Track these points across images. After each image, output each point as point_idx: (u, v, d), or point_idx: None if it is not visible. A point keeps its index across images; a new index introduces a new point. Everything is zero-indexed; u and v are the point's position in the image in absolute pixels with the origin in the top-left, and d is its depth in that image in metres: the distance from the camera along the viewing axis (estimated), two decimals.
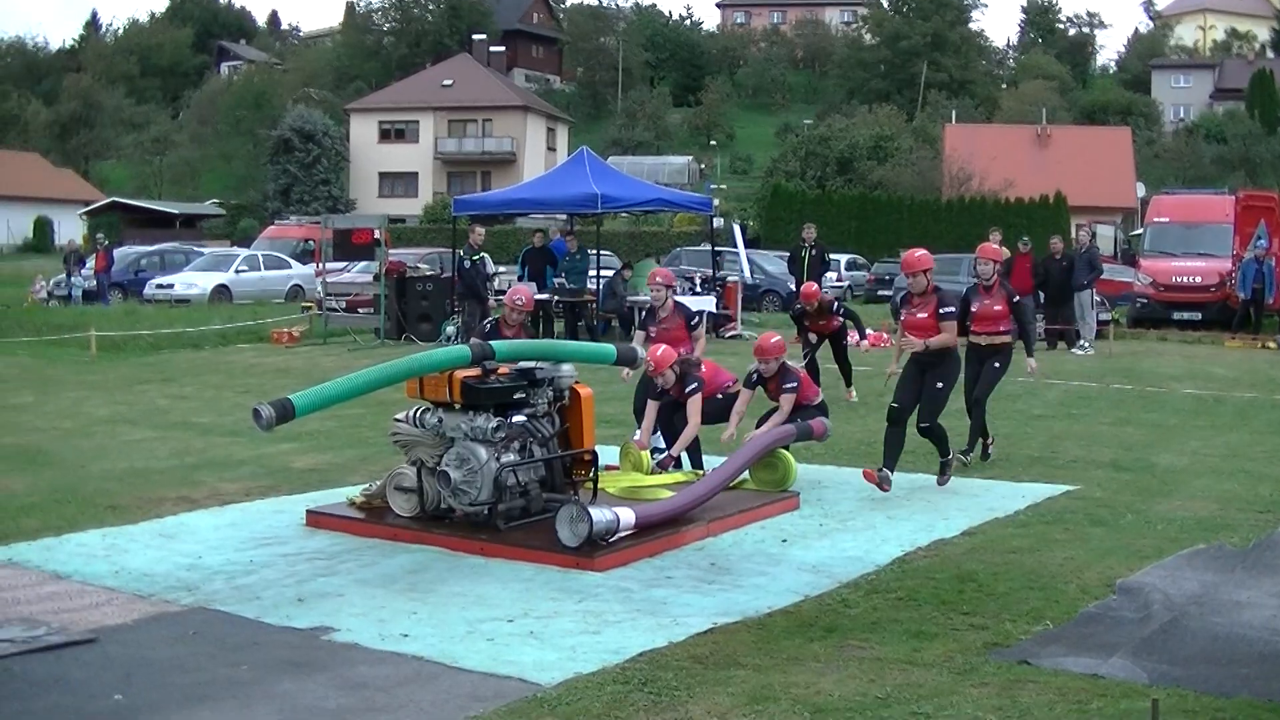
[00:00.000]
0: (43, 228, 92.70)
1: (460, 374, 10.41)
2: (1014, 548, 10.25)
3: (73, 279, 44.30)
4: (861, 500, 12.14)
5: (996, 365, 14.11)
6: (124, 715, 6.77)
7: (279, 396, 9.18)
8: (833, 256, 35.20)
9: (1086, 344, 27.39)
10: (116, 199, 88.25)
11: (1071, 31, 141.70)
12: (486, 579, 9.29)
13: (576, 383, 11.26)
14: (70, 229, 78.29)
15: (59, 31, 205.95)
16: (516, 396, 10.62)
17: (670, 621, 8.26)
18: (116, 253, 47.59)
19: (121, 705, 6.93)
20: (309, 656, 7.69)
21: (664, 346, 12.74)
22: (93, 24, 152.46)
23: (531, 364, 11.10)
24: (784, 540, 10.58)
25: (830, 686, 7.03)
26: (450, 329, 25.68)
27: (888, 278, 44.06)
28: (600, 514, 9.57)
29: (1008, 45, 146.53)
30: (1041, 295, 27.86)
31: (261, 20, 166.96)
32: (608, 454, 12.63)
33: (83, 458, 14.61)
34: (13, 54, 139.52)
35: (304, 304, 36.56)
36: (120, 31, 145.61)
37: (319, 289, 33.84)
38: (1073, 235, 40.22)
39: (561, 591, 8.97)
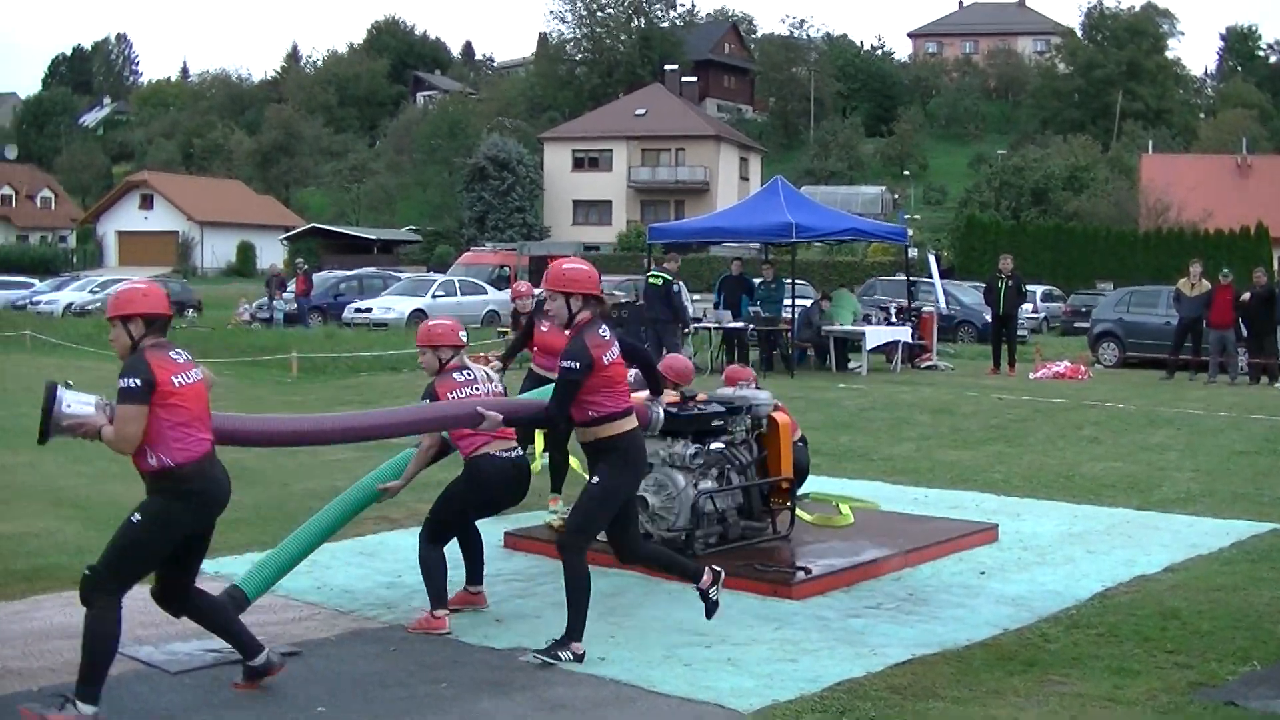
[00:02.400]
0: (246, 252, 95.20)
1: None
2: (1219, 585, 10.00)
3: (274, 302, 45.35)
4: (1060, 534, 11.93)
5: None
6: None
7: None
8: (1029, 288, 34.76)
9: None
10: (316, 225, 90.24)
11: (1273, 59, 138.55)
12: (683, 605, 9.27)
13: (775, 410, 11.22)
14: (272, 254, 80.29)
15: (261, 64, 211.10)
16: (715, 424, 10.61)
17: (868, 651, 8.20)
18: (316, 277, 48.58)
19: (325, 717, 7.06)
20: (508, 676, 7.77)
21: None
22: (293, 56, 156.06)
23: (730, 391, 11.11)
24: (982, 573, 10.45)
25: None
26: None
27: (1084, 309, 43.37)
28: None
29: (1205, 74, 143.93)
30: (1244, 328, 27.23)
31: (456, 51, 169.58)
32: None
33: (286, 476, 14.91)
34: (217, 86, 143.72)
35: (499, 329, 36.94)
36: (319, 63, 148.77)
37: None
38: (1276, 267, 39.29)
39: (758, 619, 8.96)
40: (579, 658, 7.92)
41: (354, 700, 7.32)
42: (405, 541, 11.35)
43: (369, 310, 43.37)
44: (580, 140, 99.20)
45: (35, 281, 64.42)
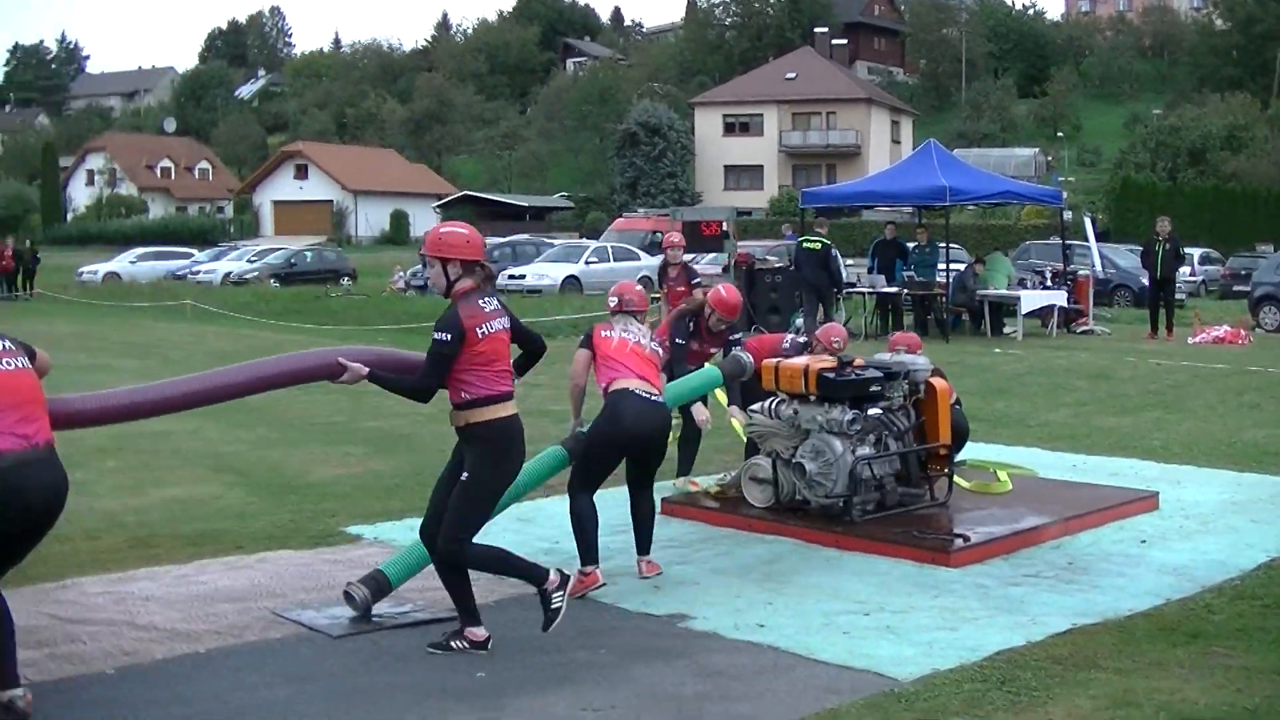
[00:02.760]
0: (399, 220, 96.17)
1: (816, 366, 10.40)
2: None
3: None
4: (1223, 502, 11.71)
5: None
6: (487, 692, 6.99)
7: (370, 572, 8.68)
8: (1186, 251, 34.14)
9: None
10: (468, 192, 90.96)
11: None
12: (841, 572, 9.28)
13: (932, 375, 11.14)
14: (425, 222, 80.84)
15: (411, 34, 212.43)
16: (873, 390, 10.55)
17: (1028, 620, 8.13)
18: None
19: (485, 683, 7.15)
20: (666, 643, 7.81)
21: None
22: (443, 25, 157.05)
23: (888, 357, 11.06)
24: (1143, 541, 10.29)
25: (1195, 694, 6.82)
26: (799, 321, 25.69)
27: (1243, 272, 42.46)
28: None
29: None
30: None
31: (605, 17, 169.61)
32: None
33: (442, 442, 14.91)
34: (369, 56, 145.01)
35: (654, 295, 36.85)
36: (469, 31, 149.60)
37: None
38: None
39: (917, 587, 8.91)
40: (478, 644, 7.62)
41: (513, 666, 7.39)
42: (561, 508, 11.43)
43: (522, 277, 43.48)
44: (730, 105, 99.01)
45: (195, 252, 65.59)
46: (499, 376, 7.65)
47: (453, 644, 7.63)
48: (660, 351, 9.65)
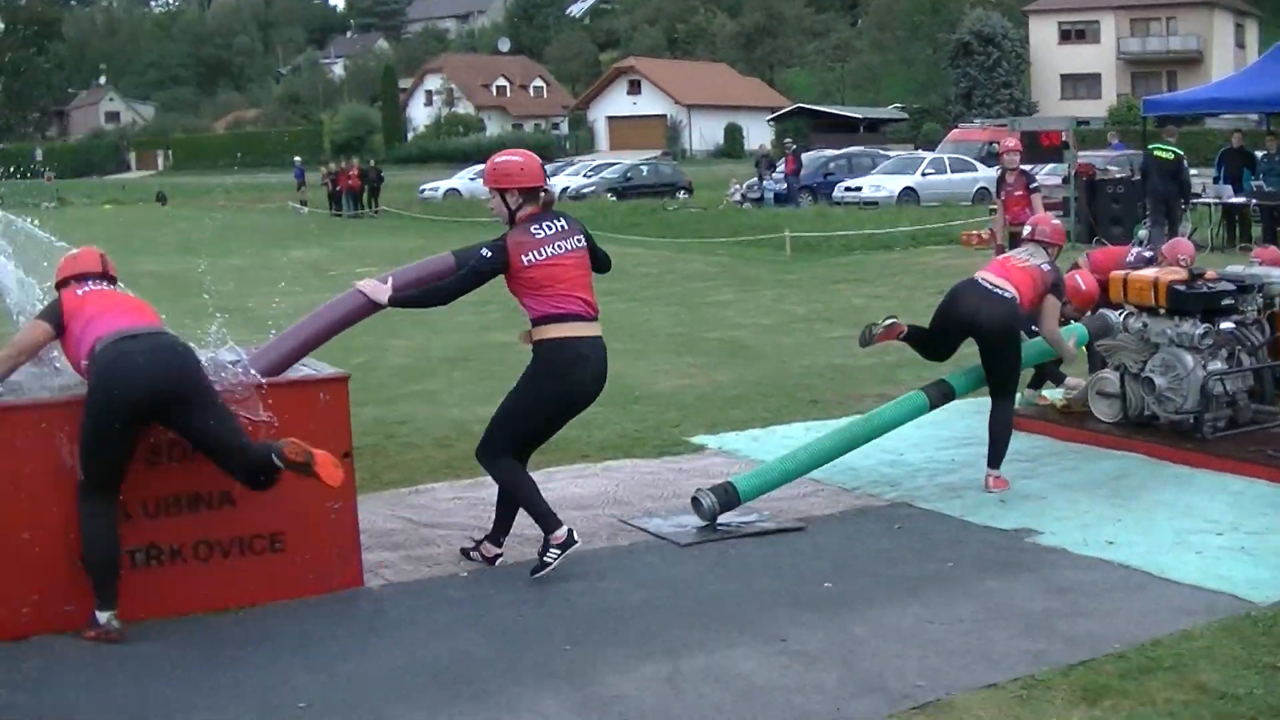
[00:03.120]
0: (733, 134, 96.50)
1: (1167, 278, 10.13)
2: None
3: (764, 183, 45.85)
4: None
5: None
6: (834, 602, 7.05)
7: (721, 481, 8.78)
8: None
9: None
10: (801, 105, 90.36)
11: None
12: (1192, 489, 9.05)
13: None
14: (759, 135, 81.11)
15: None
16: (1225, 303, 10.22)
17: None
18: (805, 157, 48.71)
19: (832, 592, 7.21)
20: (1013, 558, 7.75)
21: None
22: None
23: (1241, 269, 10.70)
24: None
25: None
26: (1142, 233, 25.01)
27: None
28: None
29: None
30: None
31: None
32: None
33: (783, 353, 15.14)
34: None
35: (991, 207, 36.34)
36: None
37: None
38: None
39: (1272, 507, 8.60)
40: (562, 545, 7.51)
41: (861, 577, 7.44)
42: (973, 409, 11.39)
43: (859, 189, 43.21)
44: (1066, 11, 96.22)
45: None
46: (562, 298, 7.56)
47: (545, 560, 7.56)
48: (1047, 270, 9.55)
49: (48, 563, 6.69)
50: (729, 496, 8.47)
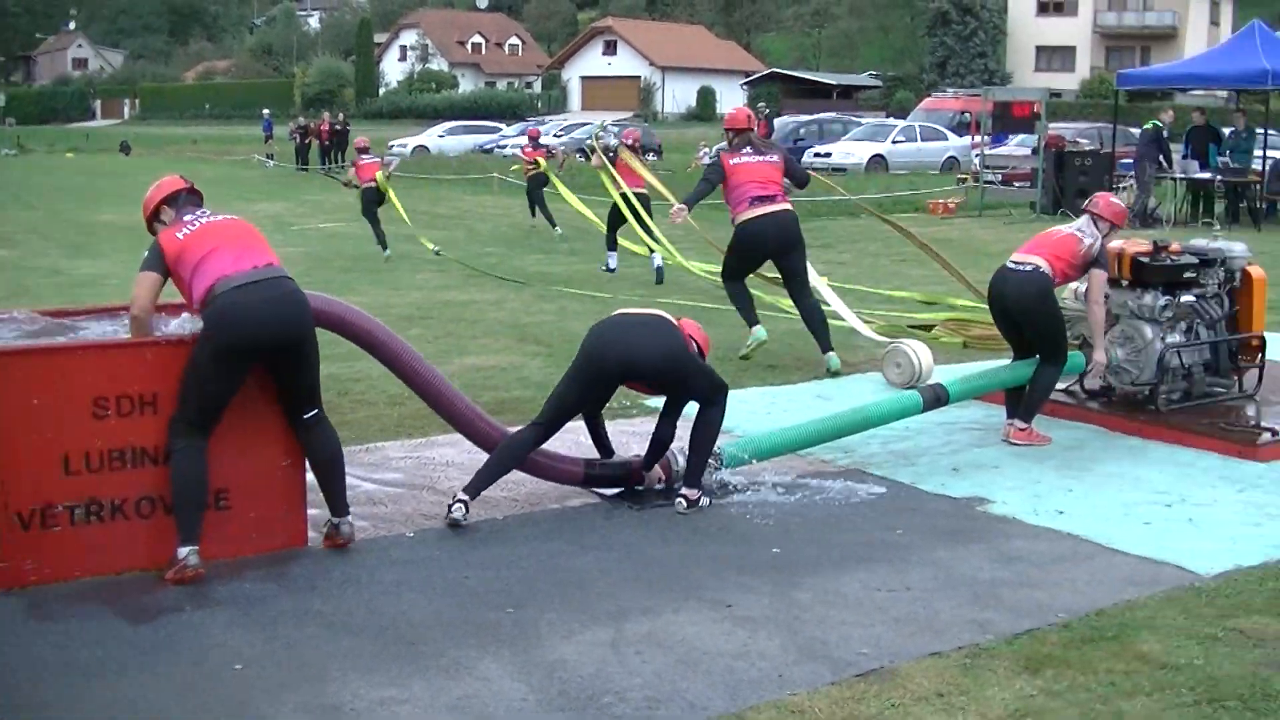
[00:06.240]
0: (706, 97, 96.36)
1: (1131, 250, 10.13)
2: None
3: None
4: None
5: None
6: (781, 568, 7.03)
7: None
8: None
9: None
10: (776, 70, 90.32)
11: None
12: (1143, 461, 9.09)
13: (1249, 264, 10.74)
14: (733, 99, 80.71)
15: None
16: (1186, 275, 10.23)
17: None
18: (777, 122, 48.69)
19: (779, 558, 7.19)
20: (964, 525, 7.76)
21: None
22: None
23: (1204, 243, 10.69)
24: None
25: None
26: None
27: None
28: None
29: None
30: None
31: None
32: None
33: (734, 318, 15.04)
34: None
35: (959, 176, 36.46)
36: None
37: (975, 161, 33.79)
38: None
39: (1221, 479, 8.68)
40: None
41: (810, 544, 7.41)
42: (863, 387, 11.41)
43: (829, 155, 43.38)
44: None
45: (503, 126, 66.61)
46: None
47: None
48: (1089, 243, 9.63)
49: None
50: (719, 460, 8.45)
